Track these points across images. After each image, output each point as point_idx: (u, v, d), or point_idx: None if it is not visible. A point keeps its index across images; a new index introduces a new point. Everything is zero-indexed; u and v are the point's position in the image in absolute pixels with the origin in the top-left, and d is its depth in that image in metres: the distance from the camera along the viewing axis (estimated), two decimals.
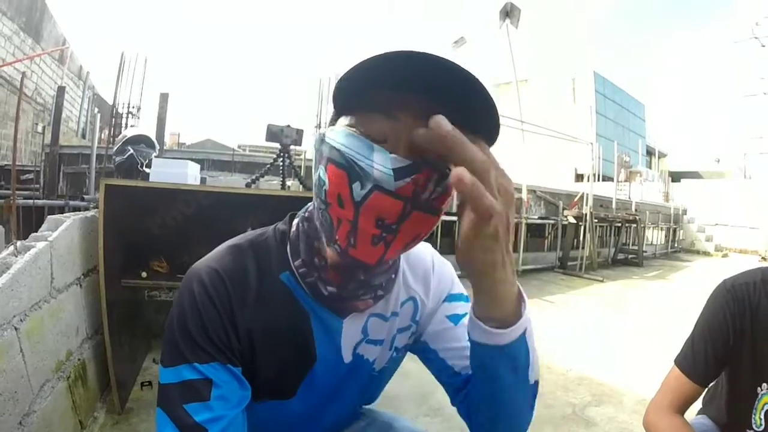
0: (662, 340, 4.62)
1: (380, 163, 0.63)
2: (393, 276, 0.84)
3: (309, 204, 0.81)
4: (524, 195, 8.18)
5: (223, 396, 0.70)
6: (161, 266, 2.63)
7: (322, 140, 0.70)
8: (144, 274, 2.50)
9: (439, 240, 7.90)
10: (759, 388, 1.39)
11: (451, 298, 0.94)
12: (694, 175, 26.29)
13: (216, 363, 0.71)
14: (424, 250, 0.96)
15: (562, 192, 10.16)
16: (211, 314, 0.73)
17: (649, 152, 29.69)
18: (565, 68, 29.91)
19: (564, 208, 9.48)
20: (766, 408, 1.39)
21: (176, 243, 2.71)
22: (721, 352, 1.40)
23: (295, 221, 0.82)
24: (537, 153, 10.31)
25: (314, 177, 0.72)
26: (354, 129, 0.67)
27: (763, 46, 21.04)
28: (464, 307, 0.93)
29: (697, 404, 1.54)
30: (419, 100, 0.64)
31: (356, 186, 0.64)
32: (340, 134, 0.67)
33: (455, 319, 0.91)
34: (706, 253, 15.77)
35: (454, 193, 0.64)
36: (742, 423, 1.44)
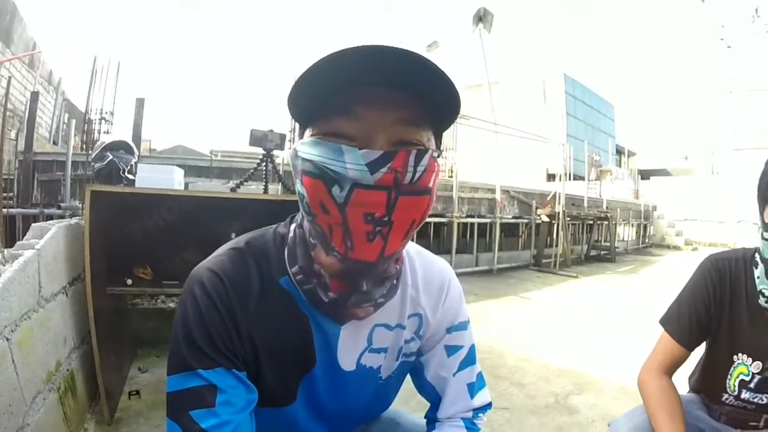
0: (637, 331, 4.75)
1: (353, 162, 0.64)
2: (395, 282, 0.83)
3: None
4: (498, 195, 8.29)
5: (228, 401, 0.70)
6: (145, 273, 2.61)
7: (295, 155, 0.70)
8: (129, 282, 2.47)
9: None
10: (735, 357, 1.50)
11: (454, 328, 0.95)
12: (663, 172, 27.01)
13: (220, 368, 0.71)
14: (444, 269, 0.97)
15: (534, 192, 10.31)
16: (213, 317, 0.72)
17: (619, 151, 30.31)
18: (535, 70, 30.33)
19: (537, 208, 9.62)
20: (740, 376, 1.50)
21: (160, 250, 2.69)
22: (703, 318, 1.50)
23: (293, 226, 0.81)
24: (509, 154, 10.44)
25: (296, 192, 0.72)
26: (320, 136, 0.67)
27: (729, 47, 21.74)
28: (462, 338, 0.96)
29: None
30: (376, 92, 0.65)
31: (335, 190, 0.65)
32: (309, 145, 0.68)
33: (451, 351, 0.94)
34: (676, 248, 16.23)
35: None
36: (719, 389, 1.55)
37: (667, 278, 8.91)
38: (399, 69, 0.62)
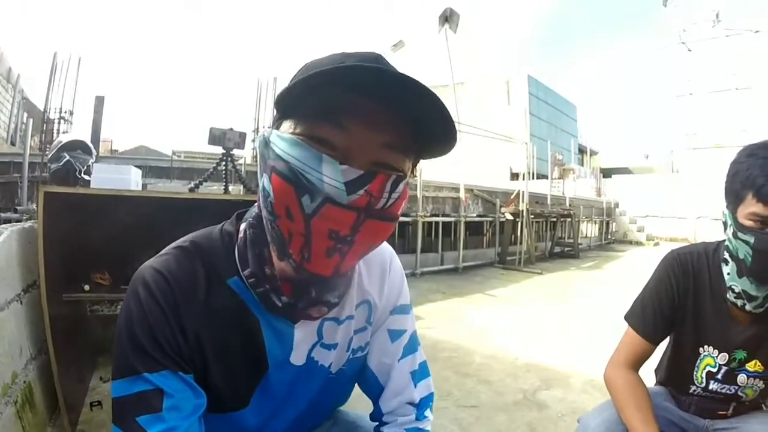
0: (602, 325, 4.83)
1: (331, 176, 0.61)
2: (349, 281, 0.82)
3: (255, 206, 0.78)
4: (462, 194, 8.36)
5: (175, 406, 0.68)
6: (103, 278, 2.53)
7: (266, 143, 0.67)
8: (86, 288, 2.38)
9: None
10: (701, 349, 1.54)
11: (397, 310, 0.93)
12: (624, 170, 27.84)
13: (166, 371, 0.68)
14: (384, 249, 0.93)
15: (498, 190, 10.46)
16: (157, 317, 0.69)
17: (581, 150, 31.02)
18: (499, 71, 30.84)
19: (501, 206, 9.75)
20: (707, 368, 1.54)
21: (118, 253, 2.61)
22: (667, 312, 1.53)
23: (242, 225, 0.78)
24: (474, 153, 10.55)
25: (259, 183, 0.69)
26: (301, 137, 0.64)
27: (690, 50, 22.55)
28: (405, 322, 0.94)
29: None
30: (371, 109, 0.63)
31: (305, 199, 0.62)
32: (287, 142, 0.64)
33: (394, 335, 0.92)
34: (638, 243, 16.73)
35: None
36: (687, 381, 1.59)
37: (630, 273, 9.17)
38: (401, 93, 0.60)
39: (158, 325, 0.69)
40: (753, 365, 1.51)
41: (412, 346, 0.94)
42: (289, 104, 0.67)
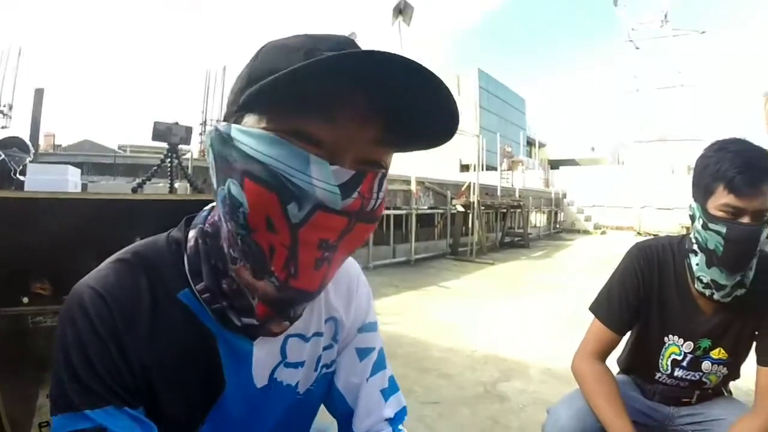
0: (556, 313, 5.02)
1: (321, 179, 0.54)
2: None
3: (206, 210, 0.71)
4: (413, 187, 8.41)
5: None
6: (44, 288, 2.39)
7: (224, 140, 0.57)
8: (25, 300, 2.24)
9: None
10: (666, 339, 1.59)
11: (365, 328, 0.88)
12: (572, 162, 28.72)
13: (110, 407, 0.60)
14: (350, 266, 0.88)
15: (449, 182, 10.56)
16: (97, 348, 0.60)
17: (530, 143, 31.71)
18: (450, 65, 31.23)
19: (452, 198, 9.86)
20: (672, 356, 1.60)
21: (58, 260, 2.47)
22: (633, 303, 1.57)
23: (192, 233, 0.68)
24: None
25: (218, 190, 0.59)
26: (277, 133, 0.54)
27: (638, 48, 23.58)
28: (373, 339, 0.89)
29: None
30: (363, 100, 0.55)
31: (292, 207, 0.54)
32: (260, 140, 0.55)
33: (362, 354, 0.87)
34: (586, 232, 17.38)
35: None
36: (652, 369, 1.65)
37: (580, 260, 9.50)
38: (401, 81, 0.52)
39: (98, 357, 0.61)
40: (717, 353, 1.57)
41: (381, 362, 0.89)
42: (260, 95, 0.54)
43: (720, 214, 1.35)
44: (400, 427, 0.87)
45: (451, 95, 0.55)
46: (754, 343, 1.55)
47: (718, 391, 1.72)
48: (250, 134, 0.55)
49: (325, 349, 0.81)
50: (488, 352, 3.67)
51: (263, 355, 0.72)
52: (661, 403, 1.71)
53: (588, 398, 1.57)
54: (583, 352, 1.63)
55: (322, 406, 0.90)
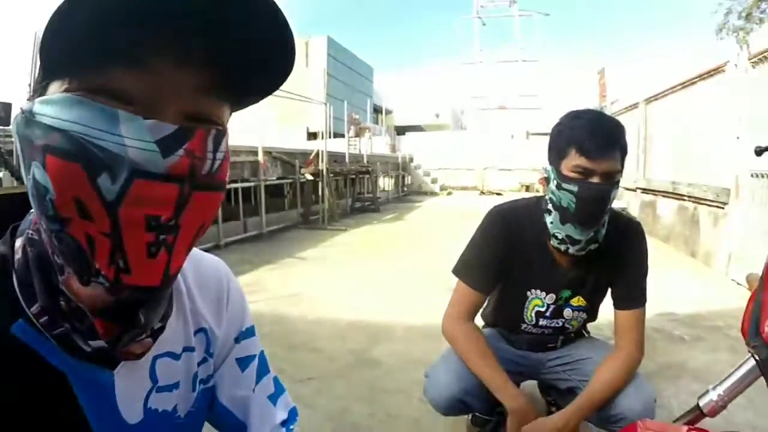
0: (412, 272, 5.23)
1: (134, 137, 0.44)
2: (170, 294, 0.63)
3: (32, 212, 0.56)
4: (261, 157, 8.16)
5: None
6: None
7: (28, 121, 0.46)
8: None
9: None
10: (529, 293, 1.72)
11: (242, 336, 0.80)
12: (418, 128, 29.93)
13: None
14: (218, 267, 0.79)
15: (297, 151, 10.42)
16: None
17: (377, 110, 32.35)
18: (299, 30, 30.62)
19: (301, 167, 9.76)
20: (536, 308, 1.74)
21: None
22: (494, 264, 1.67)
23: (19, 243, 0.55)
24: (271, 115, 10.35)
25: (27, 182, 0.47)
26: (80, 93, 0.44)
27: (485, 24, 25.33)
28: (253, 346, 0.82)
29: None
30: (185, 40, 0.46)
31: (104, 180, 0.43)
32: (59, 105, 0.44)
33: (244, 363, 0.80)
34: (433, 193, 18.38)
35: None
36: (517, 320, 1.78)
37: (429, 220, 10.14)
38: (225, 12, 0.44)
39: None
40: (577, 301, 1.73)
41: (264, 367, 0.83)
42: (59, 51, 0.43)
43: (572, 174, 1.46)
44: (291, 427, 0.82)
45: (287, 24, 0.48)
46: (609, 290, 1.73)
47: (579, 334, 1.92)
48: (50, 102, 0.45)
49: (200, 364, 0.72)
50: (353, 318, 3.70)
51: (129, 384, 0.60)
52: (530, 351, 1.86)
53: (463, 357, 1.65)
54: (452, 314, 1.71)
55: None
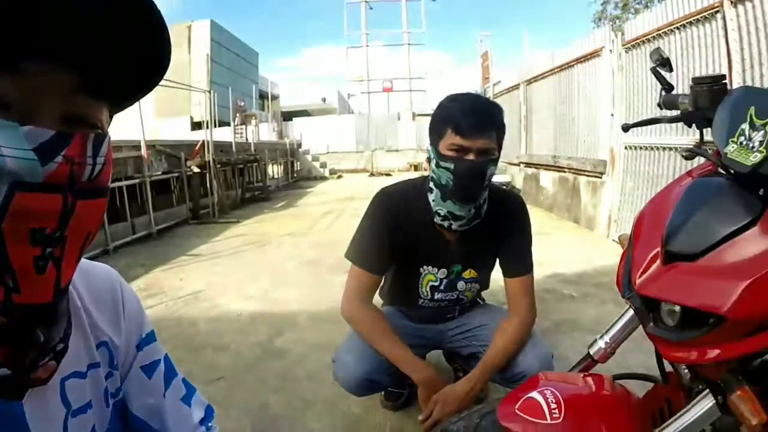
0: (308, 257, 5.31)
1: (11, 145, 0.42)
2: (67, 305, 0.61)
3: None
4: (144, 152, 7.75)
5: None
6: None
7: None
8: None
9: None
10: (422, 269, 1.82)
11: (144, 342, 0.78)
12: (304, 113, 29.52)
13: None
14: (109, 276, 0.77)
15: (182, 143, 9.98)
16: None
17: (262, 96, 31.45)
18: (182, 14, 29.11)
19: (187, 159, 9.39)
20: (430, 284, 1.84)
21: None
22: (386, 245, 1.74)
23: None
24: (151, 106, 9.82)
25: None
26: None
27: (372, 8, 25.61)
28: (156, 351, 0.80)
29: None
30: (56, 37, 0.45)
31: None
32: None
33: (149, 370, 0.77)
34: (323, 178, 18.13)
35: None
36: (414, 296, 1.88)
37: (321, 204, 10.12)
38: (88, 9, 0.43)
39: None
40: (468, 273, 1.84)
41: (171, 370, 0.82)
42: None
43: (449, 153, 1.55)
44: (210, 424, 0.83)
45: (162, 21, 0.48)
46: (497, 260, 1.86)
47: (474, 303, 2.03)
48: None
49: (107, 378, 0.70)
50: (254, 311, 3.68)
51: (42, 413, 0.57)
52: (430, 323, 1.96)
53: (365, 338, 1.73)
54: (349, 297, 1.77)
55: None
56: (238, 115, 15.32)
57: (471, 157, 1.54)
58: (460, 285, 1.87)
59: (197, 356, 2.91)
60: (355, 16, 26.98)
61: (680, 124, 1.46)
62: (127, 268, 4.90)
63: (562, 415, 1.00)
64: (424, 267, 1.82)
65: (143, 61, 0.51)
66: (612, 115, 5.86)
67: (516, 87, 9.95)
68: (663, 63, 1.30)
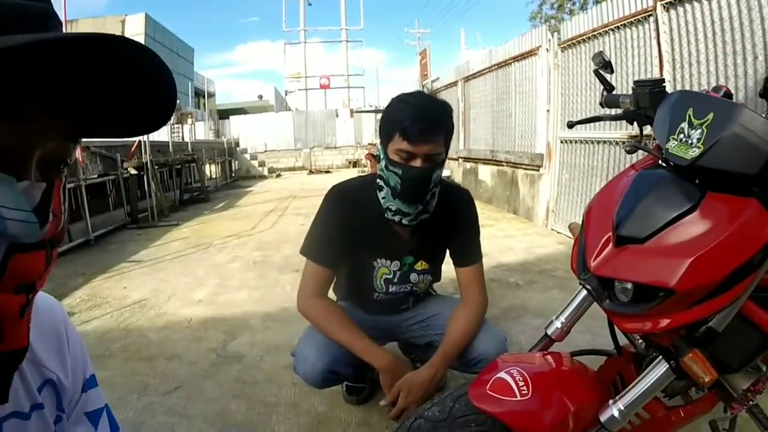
0: (253, 257, 5.28)
1: (12, 206, 0.40)
2: None
3: None
4: (78, 154, 7.43)
5: None
6: None
7: None
8: None
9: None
10: (375, 262, 1.87)
11: (88, 384, 0.70)
12: (241, 111, 28.94)
13: None
14: (52, 307, 0.68)
15: (117, 144, 9.61)
16: None
17: (198, 93, 30.62)
18: (116, 7, 27.92)
19: (123, 161, 9.06)
20: (384, 276, 1.89)
21: None
22: (339, 240, 1.79)
23: None
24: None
25: None
26: None
27: (311, 4, 25.54)
28: (99, 397, 0.72)
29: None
30: (53, 81, 0.42)
31: None
32: None
33: (95, 418, 0.69)
34: (262, 177, 17.86)
35: None
36: (369, 289, 1.92)
37: (261, 203, 10.04)
38: (92, 53, 0.39)
39: None
40: (420, 265, 1.91)
41: (113, 421, 0.74)
42: None
43: (396, 157, 1.60)
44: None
45: (169, 73, 0.45)
46: (448, 252, 1.93)
47: (428, 293, 2.09)
48: None
49: (56, 423, 0.62)
50: (204, 316, 3.60)
51: None
52: (385, 315, 2.01)
53: (325, 331, 1.75)
54: (305, 292, 1.79)
55: None
56: (174, 113, 14.86)
57: (417, 162, 1.60)
58: (413, 277, 1.93)
59: (151, 367, 2.80)
60: (293, 12, 26.73)
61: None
62: (66, 278, 4.63)
63: (530, 391, 1.09)
64: (378, 260, 1.88)
65: (143, 111, 0.49)
66: (548, 111, 6.17)
67: (454, 84, 10.20)
68: (605, 65, 1.42)
